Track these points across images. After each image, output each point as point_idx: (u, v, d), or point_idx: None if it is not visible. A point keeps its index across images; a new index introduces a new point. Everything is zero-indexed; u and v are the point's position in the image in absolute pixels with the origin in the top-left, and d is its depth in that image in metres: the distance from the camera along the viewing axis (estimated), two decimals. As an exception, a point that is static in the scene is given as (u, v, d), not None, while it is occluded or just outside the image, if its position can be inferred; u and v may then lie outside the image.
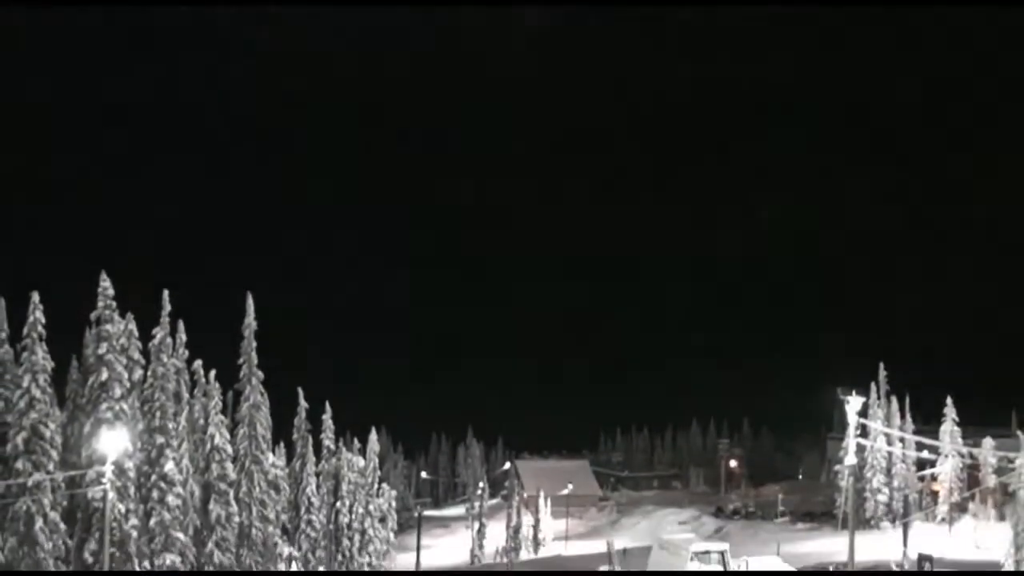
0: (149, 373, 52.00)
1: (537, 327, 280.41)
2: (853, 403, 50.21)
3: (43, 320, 44.85)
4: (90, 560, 45.29)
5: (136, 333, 51.18)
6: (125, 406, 48.27)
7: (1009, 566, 54.83)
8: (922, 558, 34.34)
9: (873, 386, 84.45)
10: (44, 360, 44.83)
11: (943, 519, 77.77)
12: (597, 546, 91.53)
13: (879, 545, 67.17)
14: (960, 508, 79.38)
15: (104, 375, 47.90)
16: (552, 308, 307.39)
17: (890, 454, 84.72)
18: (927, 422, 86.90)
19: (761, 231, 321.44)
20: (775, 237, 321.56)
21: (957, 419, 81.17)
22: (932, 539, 66.39)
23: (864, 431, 65.60)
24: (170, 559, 49.33)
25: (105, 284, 48.45)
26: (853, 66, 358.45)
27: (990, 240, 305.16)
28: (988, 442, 77.41)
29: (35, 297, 44.96)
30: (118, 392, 47.98)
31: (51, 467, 43.96)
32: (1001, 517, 71.17)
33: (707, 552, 59.76)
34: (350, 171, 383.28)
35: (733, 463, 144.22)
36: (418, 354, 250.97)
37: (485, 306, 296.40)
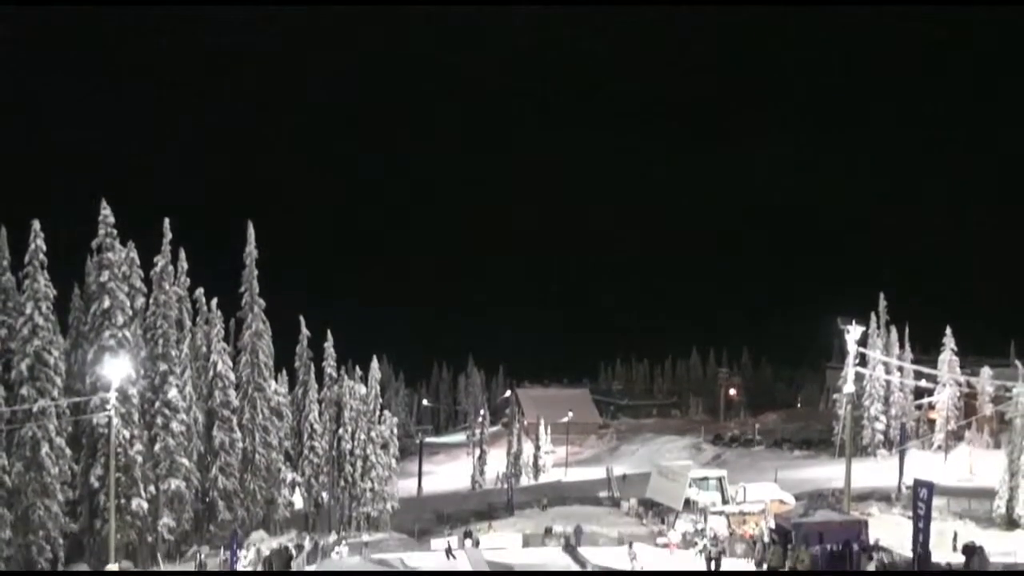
0: (151, 301, 52.21)
1: (536, 255, 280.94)
2: (853, 332, 50.51)
3: (44, 248, 44.87)
4: (96, 485, 45.86)
5: (137, 261, 51.33)
6: (128, 333, 48.52)
7: (1003, 493, 55.47)
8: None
9: (873, 316, 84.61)
10: (46, 288, 44.94)
11: (939, 447, 78.36)
12: (597, 473, 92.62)
13: (875, 473, 67.99)
14: (956, 436, 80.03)
15: (106, 303, 48.06)
16: (553, 237, 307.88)
17: (888, 383, 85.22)
18: (926, 352, 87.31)
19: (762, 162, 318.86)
20: (774, 167, 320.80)
21: (956, 349, 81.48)
22: (928, 467, 67.03)
23: (863, 360, 65.92)
24: (175, 484, 49.99)
25: (106, 212, 48.37)
26: None
27: (993, 170, 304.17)
28: (986, 371, 77.75)
29: (36, 225, 44.93)
30: (120, 320, 48.19)
31: (55, 394, 44.32)
32: (997, 445, 71.81)
33: (705, 479, 60.61)
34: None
35: (732, 391, 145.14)
36: (419, 283, 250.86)
37: (487, 235, 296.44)
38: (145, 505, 47.59)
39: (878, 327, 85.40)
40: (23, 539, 41.95)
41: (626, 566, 40.66)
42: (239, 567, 38.45)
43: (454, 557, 44.01)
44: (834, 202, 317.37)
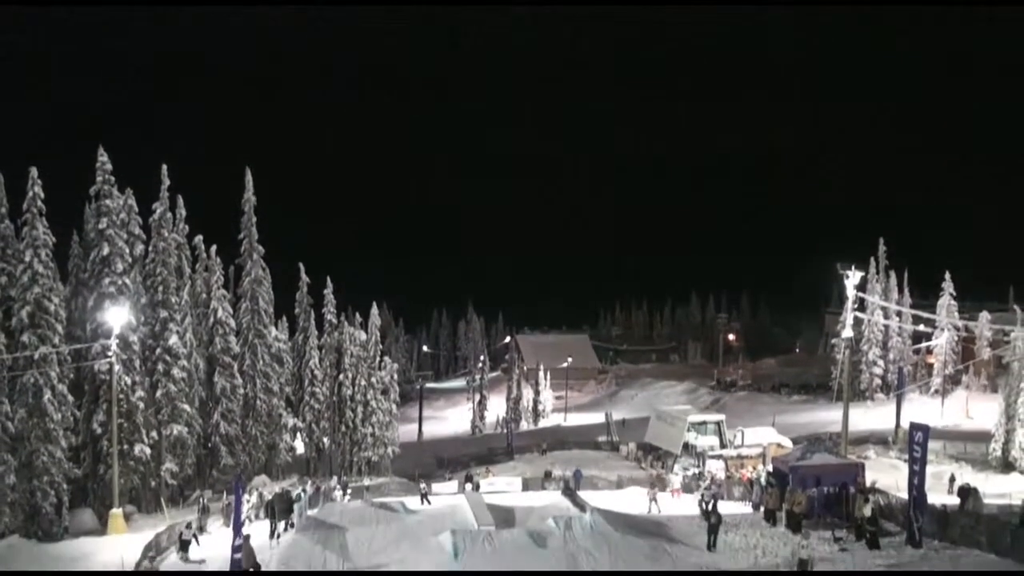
0: (150, 248, 52.14)
1: (536, 201, 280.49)
2: (852, 277, 50.56)
3: (42, 195, 44.64)
4: (99, 431, 46.14)
5: (136, 208, 51.16)
6: (127, 281, 48.52)
7: (999, 436, 55.87)
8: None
9: (872, 261, 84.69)
10: (45, 235, 44.79)
11: (936, 391, 78.86)
12: (596, 417, 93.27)
13: (872, 416, 68.48)
14: (954, 380, 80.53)
15: (105, 250, 47.99)
16: (553, 183, 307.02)
17: (887, 328, 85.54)
18: (925, 296, 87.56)
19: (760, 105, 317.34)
20: (771, 111, 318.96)
21: (954, 293, 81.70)
22: (925, 411, 67.49)
23: (862, 305, 66.09)
24: (177, 429, 50.29)
25: (103, 159, 48.08)
26: None
27: (993, 113, 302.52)
28: (984, 315, 78.05)
29: (33, 172, 44.64)
30: (120, 267, 48.16)
31: (56, 341, 44.35)
32: (993, 389, 72.27)
33: (703, 423, 60.94)
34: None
35: (731, 337, 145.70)
36: (420, 230, 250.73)
37: (487, 178, 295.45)
38: (148, 451, 47.92)
39: (877, 272, 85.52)
40: (27, 484, 42.24)
41: (643, 510, 41.04)
42: (243, 510, 38.80)
43: (428, 502, 44.45)
44: (836, 148, 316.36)
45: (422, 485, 47.97)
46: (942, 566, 26.26)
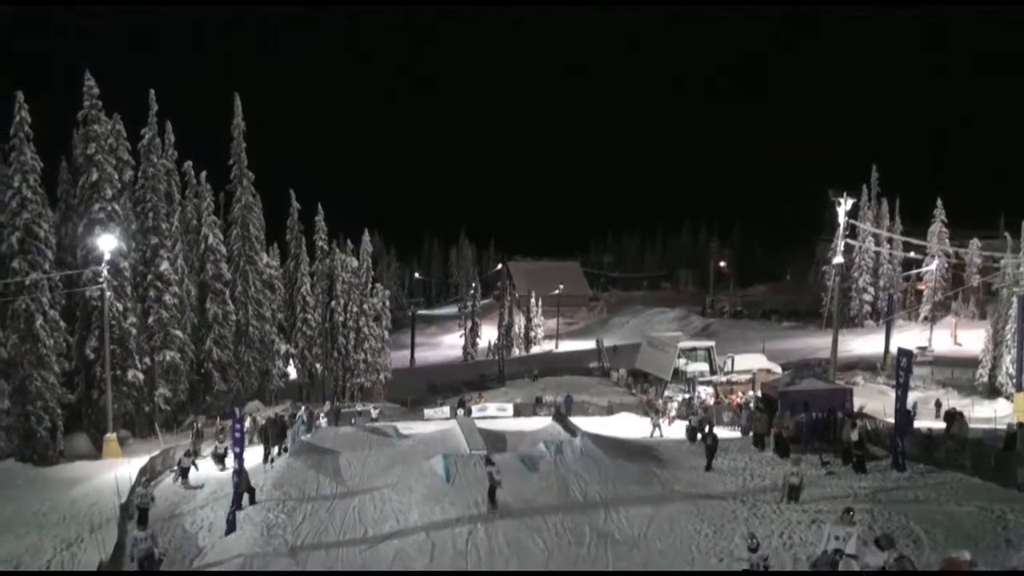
0: (139, 174, 51.84)
1: (529, 128, 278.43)
2: (844, 204, 50.50)
3: (29, 120, 44.17)
4: (92, 356, 46.31)
5: (124, 133, 50.71)
6: (117, 207, 48.32)
7: (986, 363, 56.36)
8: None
9: (865, 188, 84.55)
10: (33, 160, 44.44)
11: (925, 318, 79.31)
12: (587, 344, 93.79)
13: (862, 343, 68.97)
14: (943, 307, 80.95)
15: (94, 175, 47.70)
16: (547, 109, 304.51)
17: (877, 255, 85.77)
18: (916, 223, 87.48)
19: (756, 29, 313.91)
20: (770, 35, 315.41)
21: (946, 220, 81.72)
22: (913, 337, 67.97)
23: (853, 232, 66.18)
24: (169, 355, 50.51)
25: (90, 83, 47.54)
26: None
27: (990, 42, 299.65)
28: (975, 243, 78.19)
29: (19, 97, 44.11)
30: (109, 193, 47.91)
31: (47, 267, 44.30)
32: (982, 316, 72.73)
33: (694, 349, 61.41)
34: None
35: (722, 264, 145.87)
36: (411, 154, 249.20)
37: (481, 108, 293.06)
38: (141, 376, 48.19)
39: (869, 200, 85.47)
40: (21, 409, 42.52)
41: (634, 435, 41.40)
42: (235, 435, 39.14)
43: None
44: (829, 73, 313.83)
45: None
46: (926, 489, 26.64)
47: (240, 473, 28.40)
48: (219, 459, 35.43)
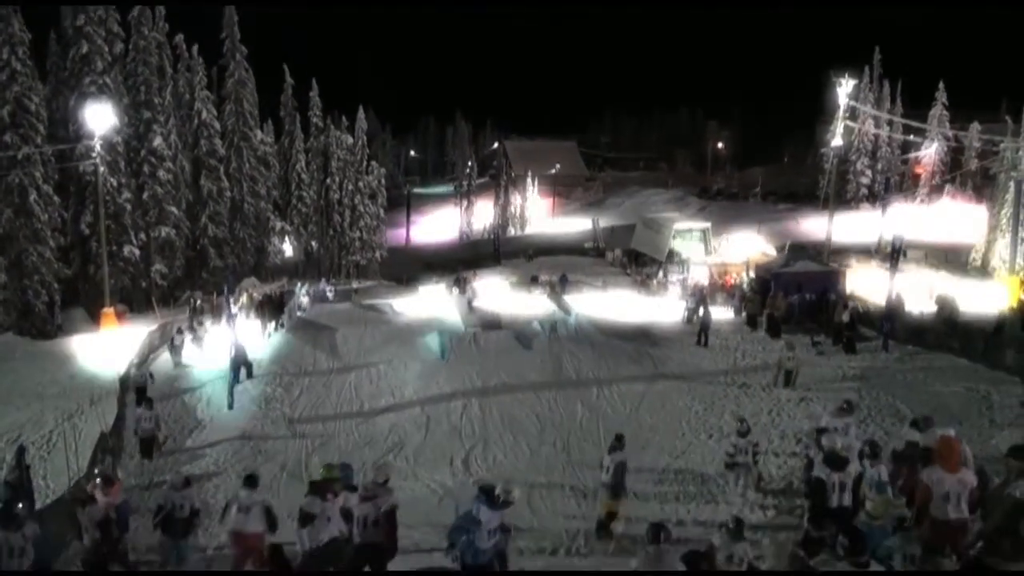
0: (130, 47, 50.92)
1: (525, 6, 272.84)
2: (844, 86, 49.87)
3: (16, -10, 43.22)
4: (87, 231, 46.28)
5: (113, 4, 49.59)
6: (108, 80, 47.63)
7: (980, 246, 56.61)
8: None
9: (867, 69, 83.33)
10: (21, 32, 43.62)
11: (922, 201, 79.08)
12: (583, 224, 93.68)
13: (857, 226, 68.90)
14: (940, 191, 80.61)
15: (84, 48, 46.94)
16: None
17: (876, 137, 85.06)
18: (917, 106, 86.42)
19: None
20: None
21: (947, 103, 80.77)
22: (909, 221, 67.90)
23: (853, 114, 65.56)
24: (165, 231, 50.51)
25: (78, -49, 46.37)
26: None
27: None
28: (975, 126, 77.48)
29: (6, -35, 43.08)
30: (100, 65, 47.19)
31: (39, 141, 43.94)
32: (979, 200, 72.51)
33: (689, 230, 61.41)
34: None
35: (719, 145, 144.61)
36: (408, 30, 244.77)
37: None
38: (136, 252, 48.25)
39: (871, 82, 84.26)
40: (18, 283, 42.72)
41: (629, 315, 41.63)
42: (232, 310, 39.44)
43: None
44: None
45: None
46: (915, 370, 27.06)
47: (237, 347, 28.75)
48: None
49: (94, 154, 42.32)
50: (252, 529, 12.41)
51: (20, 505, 12.40)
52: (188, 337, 34.30)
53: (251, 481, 13.16)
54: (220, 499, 19.63)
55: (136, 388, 26.82)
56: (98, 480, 14.66)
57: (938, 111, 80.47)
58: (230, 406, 26.81)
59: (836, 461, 12.45)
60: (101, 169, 42.92)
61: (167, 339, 34.80)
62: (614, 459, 16.15)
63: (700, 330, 33.16)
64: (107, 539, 12.78)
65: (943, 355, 28.56)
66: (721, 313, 39.37)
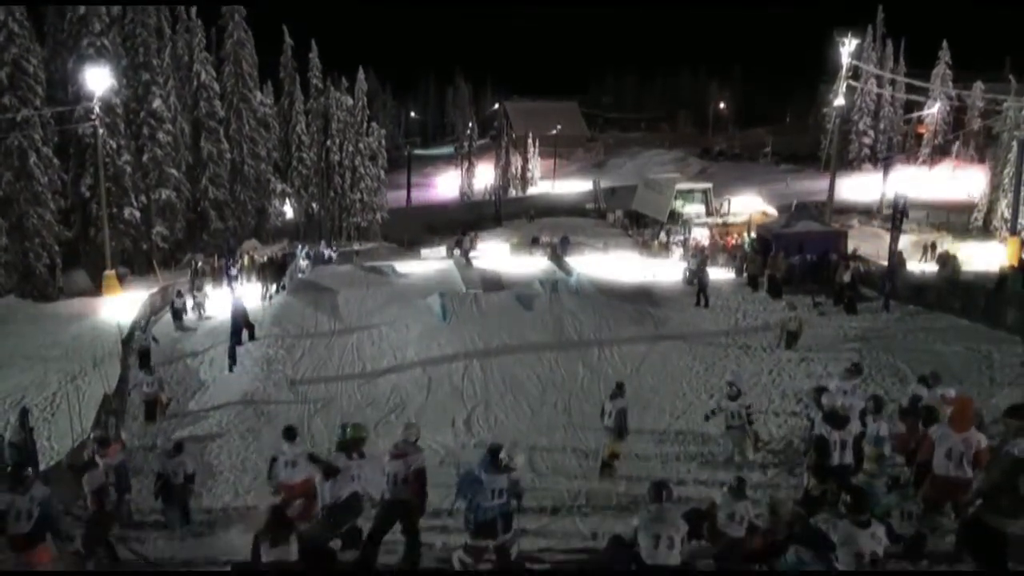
0: (128, 8, 50.55)
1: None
2: (848, 45, 49.49)
3: (10, -50, 42.83)
4: (87, 194, 46.23)
5: (110, -37, 49.17)
6: (106, 42, 47.35)
7: (982, 206, 56.48)
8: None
9: (870, 28, 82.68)
10: (18, -7, 43.38)
11: (924, 162, 78.81)
12: (584, 185, 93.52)
13: (859, 186, 68.79)
14: (942, 151, 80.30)
15: (82, 9, 46.68)
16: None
17: (879, 97, 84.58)
18: (920, 65, 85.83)
19: None
20: None
21: (950, 63, 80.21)
22: (912, 180, 67.71)
23: (856, 74, 65.15)
24: (165, 193, 50.43)
25: (72, -91, 45.90)
26: None
27: None
28: (978, 85, 77.07)
29: (-1, -77, 42.65)
30: (98, 27, 46.89)
31: (38, 103, 43.75)
32: (981, 160, 72.22)
33: (691, 191, 61.25)
34: None
35: (721, 105, 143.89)
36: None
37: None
38: (137, 214, 48.21)
39: (874, 41, 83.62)
40: (20, 246, 42.73)
41: (631, 275, 41.59)
42: (233, 272, 39.51)
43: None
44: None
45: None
46: (915, 330, 27.09)
47: (238, 309, 28.79)
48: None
49: (93, 116, 42.15)
50: (299, 478, 12.98)
51: (29, 469, 12.49)
52: (188, 301, 34.26)
53: (290, 434, 13.60)
54: (223, 460, 19.84)
55: (140, 352, 26.94)
56: (95, 441, 14.80)
57: (941, 70, 79.96)
58: (231, 368, 26.91)
59: (837, 419, 12.52)
60: (100, 131, 42.78)
61: (168, 302, 34.82)
62: (616, 405, 17.45)
63: (699, 291, 33.18)
64: (102, 510, 12.87)
65: (944, 315, 28.58)
66: (722, 274, 39.42)
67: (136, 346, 27.53)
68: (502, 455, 10.54)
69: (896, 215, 33.02)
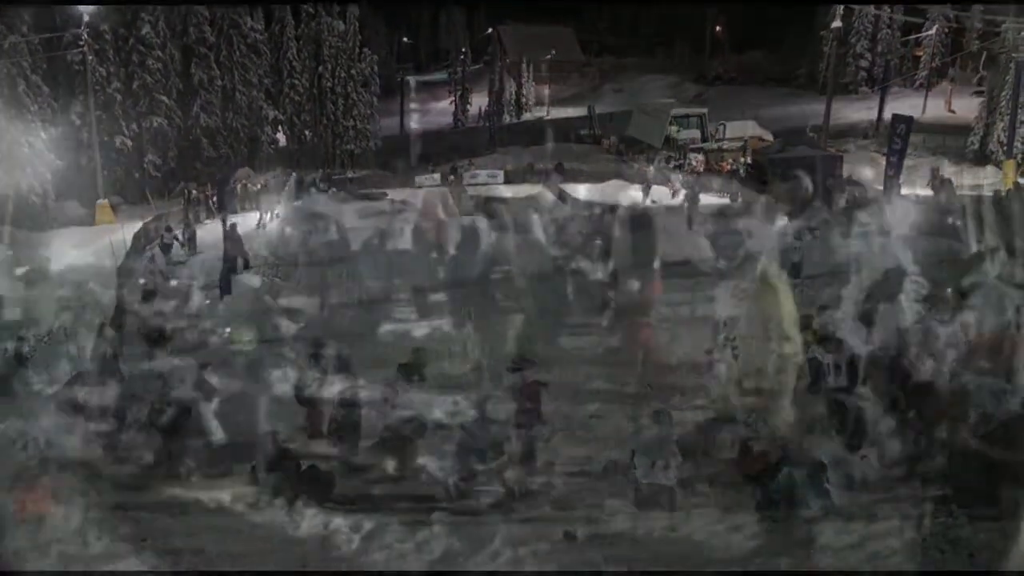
0: (115, -70, 49.63)
1: None
2: (846, -36, 48.67)
3: None
4: (77, 122, 45.85)
5: None
6: (94, -35, 46.55)
7: (979, 130, 56.17)
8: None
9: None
10: (0, -85, 42.44)
11: (921, 85, 78.13)
12: (579, 111, 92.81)
13: (856, 110, 68.41)
14: (940, 74, 79.59)
15: (67, -68, 45.77)
16: None
17: (877, 19, 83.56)
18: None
19: None
20: None
21: (950, -18, 79.16)
22: (909, 103, 67.25)
23: (853, -7, 64.36)
24: (156, 121, 50.01)
25: None
26: None
27: None
28: (976, 7, 76.15)
29: None
30: (84, -50, 46.09)
31: (24, 30, 43.19)
32: (979, 83, 71.68)
33: (686, 116, 60.88)
34: None
35: (718, 29, 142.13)
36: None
37: None
38: (128, 143, 47.90)
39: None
40: (11, 177, 42.50)
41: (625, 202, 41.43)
42: (227, 201, 39.44)
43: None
44: None
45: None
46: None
47: (231, 237, 28.77)
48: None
49: (81, 42, 41.61)
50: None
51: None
52: (178, 234, 34.04)
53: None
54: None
55: (143, 292, 26.85)
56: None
57: (940, -9, 78.90)
58: (224, 294, 26.92)
59: (830, 342, 12.61)
60: (89, 58, 42.28)
61: (158, 236, 34.48)
62: None
63: (689, 216, 33.15)
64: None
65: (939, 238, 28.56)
66: (718, 199, 39.34)
67: (137, 279, 27.42)
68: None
69: (895, 138, 32.86)
